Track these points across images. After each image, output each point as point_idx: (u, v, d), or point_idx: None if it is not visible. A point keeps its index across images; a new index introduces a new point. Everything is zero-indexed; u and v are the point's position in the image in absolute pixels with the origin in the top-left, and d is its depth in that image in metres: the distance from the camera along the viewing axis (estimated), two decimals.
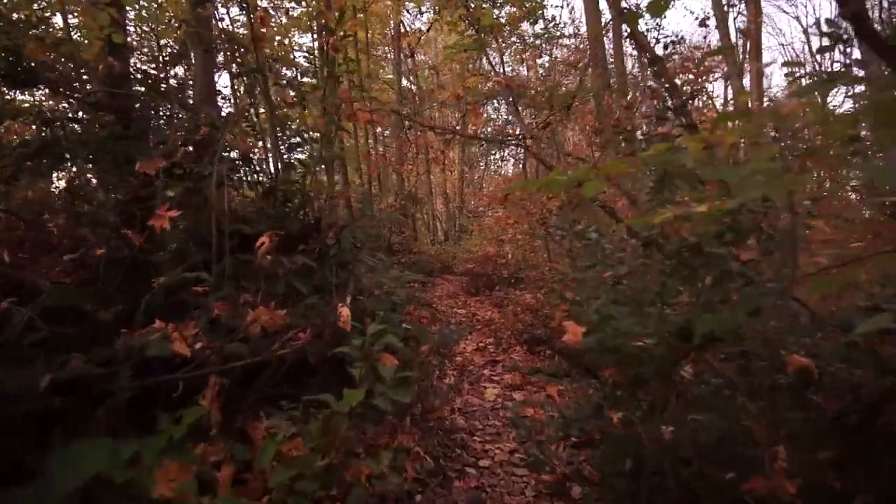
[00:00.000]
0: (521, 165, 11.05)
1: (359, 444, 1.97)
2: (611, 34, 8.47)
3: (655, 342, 1.28)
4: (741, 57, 12.67)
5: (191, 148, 2.50)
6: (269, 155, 2.63)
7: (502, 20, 9.49)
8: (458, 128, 8.05)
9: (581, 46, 10.64)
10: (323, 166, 3.11)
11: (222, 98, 3.40)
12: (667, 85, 3.79)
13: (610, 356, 1.38)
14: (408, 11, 11.26)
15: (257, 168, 2.46)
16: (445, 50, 11.73)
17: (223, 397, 1.62)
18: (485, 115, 12.84)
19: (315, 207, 2.59)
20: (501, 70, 8.13)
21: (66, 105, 2.85)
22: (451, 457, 2.48)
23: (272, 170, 2.50)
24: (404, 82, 13.24)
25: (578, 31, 11.00)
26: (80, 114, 2.60)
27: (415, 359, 3.04)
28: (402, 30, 11.25)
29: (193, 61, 3.27)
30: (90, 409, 1.62)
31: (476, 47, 9.86)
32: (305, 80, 3.74)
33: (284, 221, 2.54)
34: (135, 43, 3.45)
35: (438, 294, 7.70)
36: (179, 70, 3.89)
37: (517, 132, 6.31)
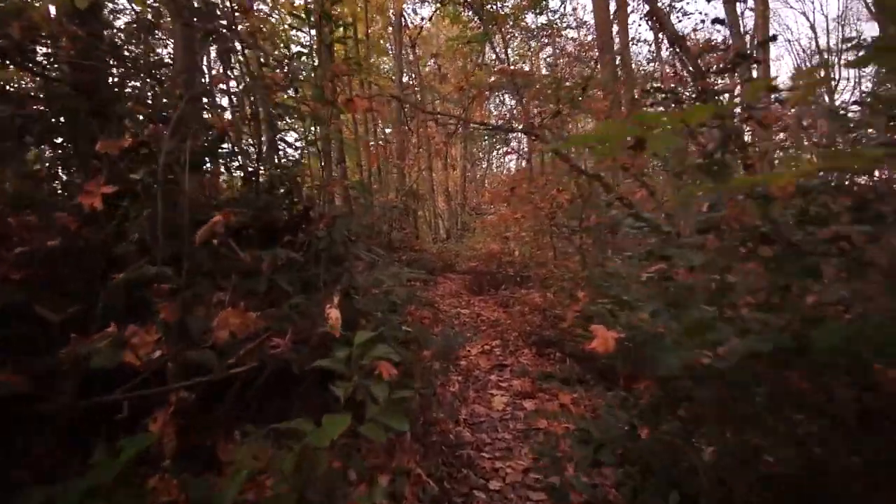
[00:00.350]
0: (524, 161, 10.74)
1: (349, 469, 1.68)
2: (617, 20, 8.16)
3: (748, 360, 0.98)
4: (751, 53, 12.37)
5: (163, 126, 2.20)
6: (256, 134, 2.33)
7: (507, 10, 9.20)
8: (461, 119, 7.75)
9: (588, 39, 10.34)
10: (318, 151, 2.81)
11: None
12: (688, 64, 3.49)
13: (707, 386, 1.08)
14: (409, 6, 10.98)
15: (237, 148, 2.16)
16: (448, 42, 11.45)
17: (181, 418, 1.33)
18: (486, 111, 12.55)
19: (304, 195, 2.30)
20: (506, 59, 7.82)
21: (29, 80, 2.56)
22: (456, 478, 2.18)
23: (256, 151, 2.20)
24: (405, 78, 12.94)
25: (584, 23, 10.68)
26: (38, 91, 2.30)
27: (416, 364, 2.76)
28: (403, 21, 10.94)
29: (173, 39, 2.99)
30: (14, 435, 1.33)
31: (480, 38, 9.58)
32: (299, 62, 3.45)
33: (270, 210, 2.24)
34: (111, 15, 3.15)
35: (441, 293, 7.41)
36: (163, 51, 3.60)
37: (522, 122, 6.00)
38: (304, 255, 2.19)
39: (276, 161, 2.30)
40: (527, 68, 11.88)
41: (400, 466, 2.03)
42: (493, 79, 10.09)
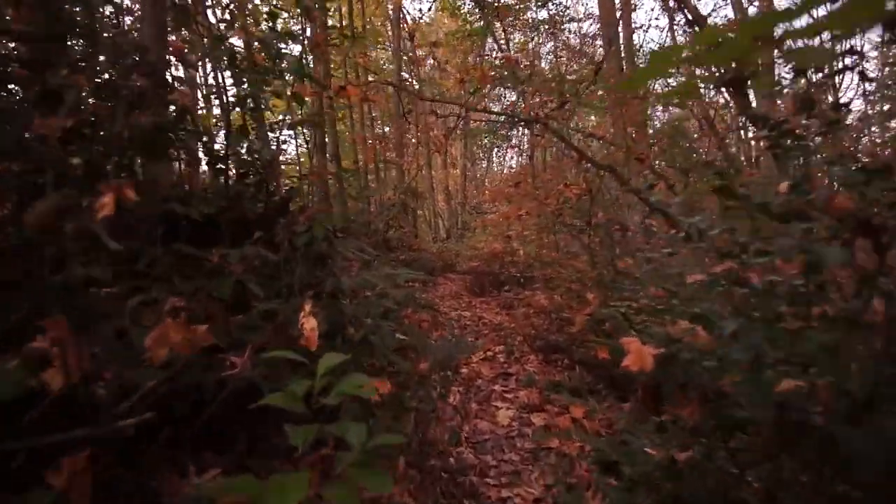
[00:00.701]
0: (527, 157, 10.44)
1: None
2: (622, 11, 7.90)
3: None
4: None
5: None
6: (225, 115, 2.03)
7: (509, 1, 8.92)
8: (463, 113, 7.45)
9: (593, 30, 10.06)
10: (304, 138, 2.50)
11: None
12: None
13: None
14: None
15: (198, 128, 1.86)
16: (448, 36, 11.15)
17: (99, 462, 1.03)
18: (487, 107, 12.24)
19: (280, 185, 2.01)
20: (507, 51, 7.53)
21: None
22: None
23: (225, 133, 1.91)
24: (404, 75, 12.62)
25: (590, 14, 10.40)
26: None
27: (411, 376, 2.46)
28: (402, 14, 10.64)
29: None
30: None
31: (480, 31, 9.28)
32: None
33: (240, 201, 1.95)
34: None
35: (440, 294, 7.12)
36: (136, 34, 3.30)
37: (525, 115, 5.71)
38: (280, 253, 1.89)
39: (250, 145, 2.00)
40: (526, 62, 11.60)
41: (391, 501, 1.74)
42: (493, 74, 9.80)
